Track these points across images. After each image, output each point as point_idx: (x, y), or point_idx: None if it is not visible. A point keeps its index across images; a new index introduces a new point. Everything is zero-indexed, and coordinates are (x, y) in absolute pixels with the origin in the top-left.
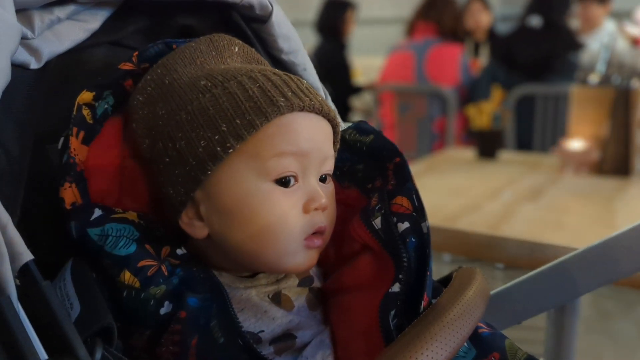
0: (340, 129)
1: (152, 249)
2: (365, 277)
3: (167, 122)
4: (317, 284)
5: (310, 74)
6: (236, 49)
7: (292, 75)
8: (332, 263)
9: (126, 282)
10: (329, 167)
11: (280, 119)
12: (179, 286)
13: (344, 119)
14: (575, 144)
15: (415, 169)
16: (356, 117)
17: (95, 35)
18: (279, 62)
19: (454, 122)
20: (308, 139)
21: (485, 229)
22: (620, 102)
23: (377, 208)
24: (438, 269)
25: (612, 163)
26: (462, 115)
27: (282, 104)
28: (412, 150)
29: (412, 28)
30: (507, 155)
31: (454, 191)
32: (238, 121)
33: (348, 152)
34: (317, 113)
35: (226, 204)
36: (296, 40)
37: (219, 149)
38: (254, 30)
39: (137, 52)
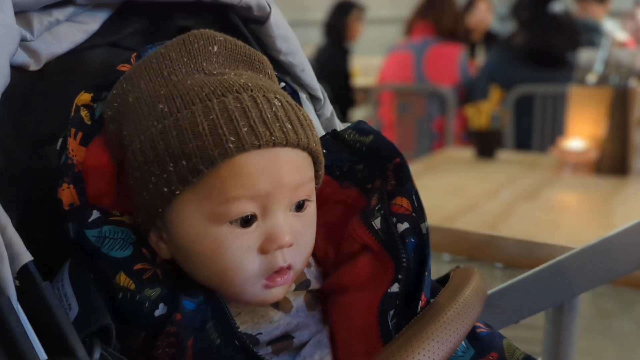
0: (342, 128)
1: (147, 253)
2: (365, 277)
3: (128, 146)
4: (315, 285)
5: (308, 75)
6: (215, 49)
7: (259, 99)
8: (332, 263)
9: (122, 284)
10: (304, 193)
11: (230, 162)
12: (174, 290)
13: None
14: (573, 143)
15: (414, 168)
16: (356, 117)
17: (94, 36)
18: (277, 63)
19: (453, 122)
20: (267, 180)
21: (483, 229)
22: (618, 101)
23: (376, 208)
24: (438, 269)
25: (609, 162)
26: (461, 114)
27: (231, 145)
28: (412, 150)
29: (410, 28)
30: (505, 155)
31: (453, 191)
32: (184, 162)
33: (348, 152)
34: (282, 146)
35: (181, 243)
36: (294, 41)
37: (165, 189)
38: (252, 31)
39: (135, 54)
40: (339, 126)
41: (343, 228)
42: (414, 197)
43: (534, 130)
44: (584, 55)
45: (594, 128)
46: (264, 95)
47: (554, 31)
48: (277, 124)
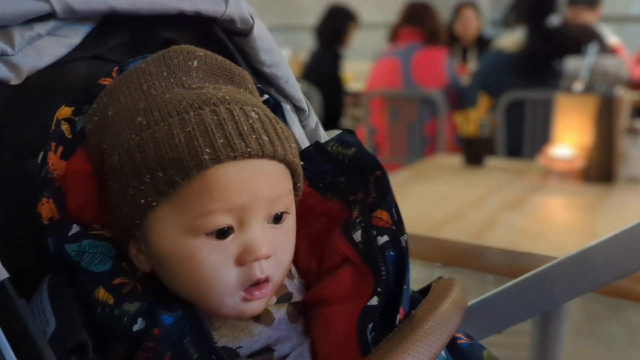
0: (326, 139)
1: (127, 267)
2: (346, 290)
3: (107, 159)
4: (297, 297)
5: (293, 86)
6: (195, 64)
7: (236, 111)
8: (314, 274)
9: (100, 299)
10: (282, 206)
11: (205, 174)
12: (153, 304)
13: (334, 127)
14: (560, 151)
15: (403, 176)
16: (347, 124)
17: (76, 50)
18: (261, 74)
19: (445, 125)
20: (242, 192)
21: (468, 238)
22: (604, 109)
23: (357, 221)
24: (430, 275)
25: (596, 170)
26: (452, 118)
27: (206, 156)
28: (404, 155)
29: (395, 34)
30: (494, 162)
31: (440, 199)
32: (160, 174)
33: (331, 164)
34: (258, 157)
35: (158, 255)
36: (278, 53)
37: (142, 201)
38: (236, 43)
39: (117, 68)
40: (324, 137)
41: (326, 240)
42: (393, 210)
43: (525, 136)
44: (570, 63)
45: (581, 136)
46: (241, 108)
47: (549, 45)
48: (254, 136)
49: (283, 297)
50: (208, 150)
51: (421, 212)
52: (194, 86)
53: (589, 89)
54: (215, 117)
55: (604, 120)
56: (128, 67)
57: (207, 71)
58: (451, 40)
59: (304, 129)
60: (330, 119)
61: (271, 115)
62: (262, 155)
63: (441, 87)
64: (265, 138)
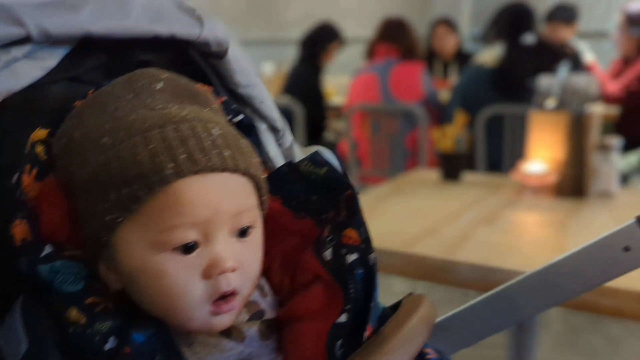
0: (301, 157)
1: (99, 286)
2: (316, 307)
3: (74, 180)
4: (270, 314)
5: (268, 106)
6: (159, 86)
7: (198, 128)
8: (287, 292)
9: (73, 319)
10: (247, 220)
11: (168, 189)
12: (125, 323)
13: (318, 141)
14: (534, 166)
15: (382, 191)
16: (331, 137)
17: (52, 72)
18: (236, 95)
19: (425, 138)
20: (206, 206)
21: (441, 253)
22: (575, 126)
23: (328, 240)
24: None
25: (568, 185)
26: (431, 132)
27: (169, 172)
28: (386, 168)
29: (372, 50)
30: (471, 177)
31: (416, 214)
32: (125, 190)
33: (303, 183)
34: (220, 171)
35: (125, 271)
36: (253, 74)
37: (108, 218)
38: (212, 65)
39: (92, 90)
40: (299, 155)
41: (298, 258)
42: (362, 228)
43: (504, 150)
44: (543, 81)
45: (554, 152)
46: (203, 125)
47: (525, 62)
48: (215, 151)
49: (255, 314)
50: (171, 165)
51: (397, 227)
52: (159, 107)
53: (561, 106)
54: (177, 134)
55: (575, 136)
56: None
57: (171, 93)
58: (431, 55)
59: (280, 147)
60: (313, 133)
61: (234, 132)
62: (224, 168)
63: (419, 101)
64: (227, 152)
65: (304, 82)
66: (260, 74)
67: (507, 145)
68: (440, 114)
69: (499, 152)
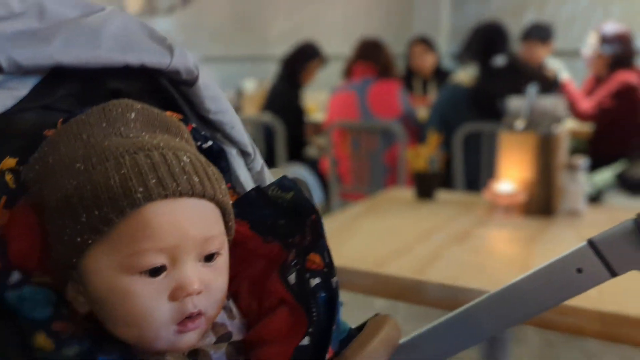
0: (272, 181)
1: (67, 311)
2: (282, 330)
3: (47, 204)
4: (237, 336)
5: (238, 132)
6: (132, 115)
7: (169, 156)
8: (255, 315)
9: (40, 345)
10: (214, 247)
11: (139, 212)
12: (91, 347)
13: (299, 157)
14: (504, 186)
15: (357, 210)
16: (313, 153)
17: (24, 100)
18: (207, 121)
19: (404, 155)
20: (174, 231)
21: (412, 273)
22: (543, 147)
23: (292, 264)
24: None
25: (537, 204)
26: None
27: (139, 195)
28: (367, 185)
29: (349, 69)
30: (445, 196)
31: (388, 233)
32: (96, 212)
33: (271, 207)
34: (188, 196)
35: (93, 293)
36: (224, 101)
37: (78, 239)
38: (182, 92)
39: (61, 119)
40: (269, 179)
41: (266, 281)
42: (325, 253)
43: (481, 168)
44: (513, 102)
45: (523, 171)
46: (173, 153)
47: (497, 83)
48: (184, 177)
49: (222, 337)
50: (141, 190)
51: (370, 247)
52: (131, 135)
53: (529, 127)
54: (149, 161)
55: (543, 157)
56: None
57: (144, 122)
58: (410, 73)
59: (250, 171)
60: (293, 149)
61: (203, 160)
62: (193, 194)
63: (397, 117)
64: (196, 179)
65: (284, 100)
66: (243, 91)
67: (485, 163)
68: (418, 131)
69: (477, 170)
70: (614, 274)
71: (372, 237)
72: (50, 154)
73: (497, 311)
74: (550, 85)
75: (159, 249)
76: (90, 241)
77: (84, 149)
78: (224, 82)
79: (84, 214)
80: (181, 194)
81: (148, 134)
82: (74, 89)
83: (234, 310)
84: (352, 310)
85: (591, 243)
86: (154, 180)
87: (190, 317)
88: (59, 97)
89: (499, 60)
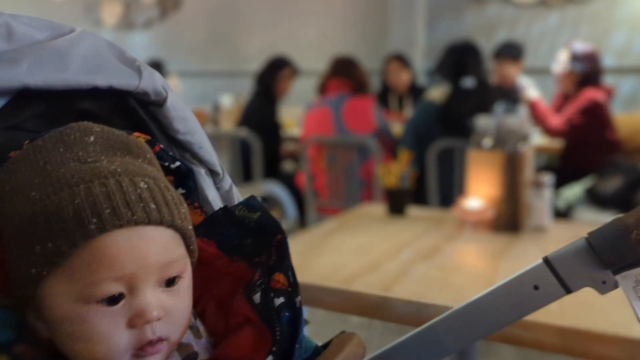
0: (240, 200)
1: (30, 334)
2: (246, 349)
3: (4, 232)
4: (203, 356)
5: (206, 152)
6: (91, 139)
7: (125, 183)
8: (221, 334)
9: None
10: (175, 270)
11: (92, 244)
12: None
13: (275, 172)
14: (472, 203)
15: (329, 226)
16: (290, 168)
17: None
18: (176, 142)
19: (379, 168)
20: (131, 260)
21: (379, 290)
22: (510, 164)
23: (258, 283)
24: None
25: (504, 221)
26: (385, 160)
27: (93, 226)
28: (343, 199)
29: (324, 86)
30: (416, 212)
31: (358, 250)
32: (50, 244)
33: (238, 227)
34: (145, 224)
35: (53, 322)
36: (192, 121)
37: (33, 271)
38: (151, 113)
39: (27, 141)
40: (238, 198)
41: (232, 300)
42: (289, 273)
43: (455, 183)
44: (481, 121)
45: (491, 188)
46: (130, 179)
47: (465, 103)
48: (140, 205)
49: (188, 356)
50: (95, 220)
51: (339, 264)
52: (90, 160)
53: (496, 145)
54: (103, 189)
55: (510, 174)
56: None
57: (103, 145)
58: (386, 89)
59: (219, 190)
60: (269, 164)
61: (162, 184)
62: (149, 222)
63: (372, 133)
64: (153, 206)
65: (260, 115)
66: (219, 106)
67: (458, 178)
68: (393, 145)
69: (451, 185)
70: (568, 290)
71: (343, 254)
72: (7, 182)
73: (460, 327)
74: (515, 102)
75: (115, 278)
76: (44, 272)
77: (40, 177)
78: (201, 97)
79: (38, 245)
80: (136, 223)
81: (107, 158)
82: (42, 109)
83: (201, 329)
84: (327, 327)
85: (546, 261)
86: (108, 210)
87: (150, 343)
88: (27, 118)
89: (468, 82)
